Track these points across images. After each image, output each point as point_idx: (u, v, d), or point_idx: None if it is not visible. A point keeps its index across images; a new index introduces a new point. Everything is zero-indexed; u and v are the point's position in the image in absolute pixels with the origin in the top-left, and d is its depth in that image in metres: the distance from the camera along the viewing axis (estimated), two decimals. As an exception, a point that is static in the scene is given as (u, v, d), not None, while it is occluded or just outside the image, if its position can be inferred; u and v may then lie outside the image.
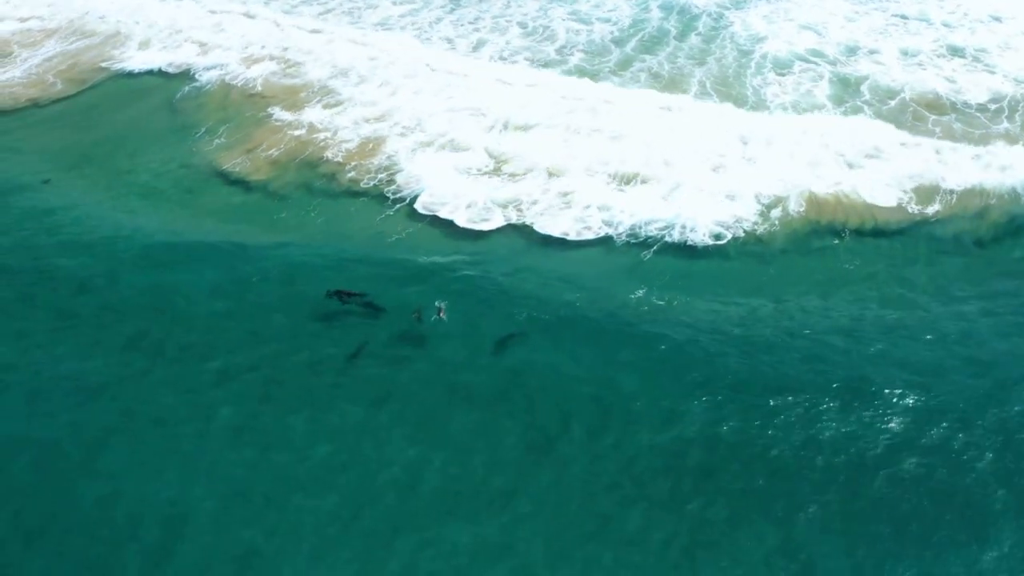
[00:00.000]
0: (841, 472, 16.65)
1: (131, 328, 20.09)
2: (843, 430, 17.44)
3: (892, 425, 17.49)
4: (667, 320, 20.56)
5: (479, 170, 26.49)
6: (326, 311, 20.66)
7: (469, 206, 24.96)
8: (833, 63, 32.59)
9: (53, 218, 24.54)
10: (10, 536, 15.67)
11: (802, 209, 24.66)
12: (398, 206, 25.47)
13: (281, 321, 20.51)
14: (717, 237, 23.70)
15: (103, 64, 33.46)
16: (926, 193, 25.18)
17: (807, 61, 32.71)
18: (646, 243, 23.63)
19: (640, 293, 21.45)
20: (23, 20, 36.17)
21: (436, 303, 20.28)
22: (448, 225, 24.56)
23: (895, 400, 17.97)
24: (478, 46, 34.53)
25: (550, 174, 26.16)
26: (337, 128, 28.59)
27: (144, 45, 34.45)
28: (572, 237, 23.97)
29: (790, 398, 18.06)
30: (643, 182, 25.79)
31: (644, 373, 18.83)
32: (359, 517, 15.97)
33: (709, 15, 35.54)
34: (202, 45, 34.03)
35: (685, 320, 20.56)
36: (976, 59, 32.88)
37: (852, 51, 33.41)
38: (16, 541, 15.59)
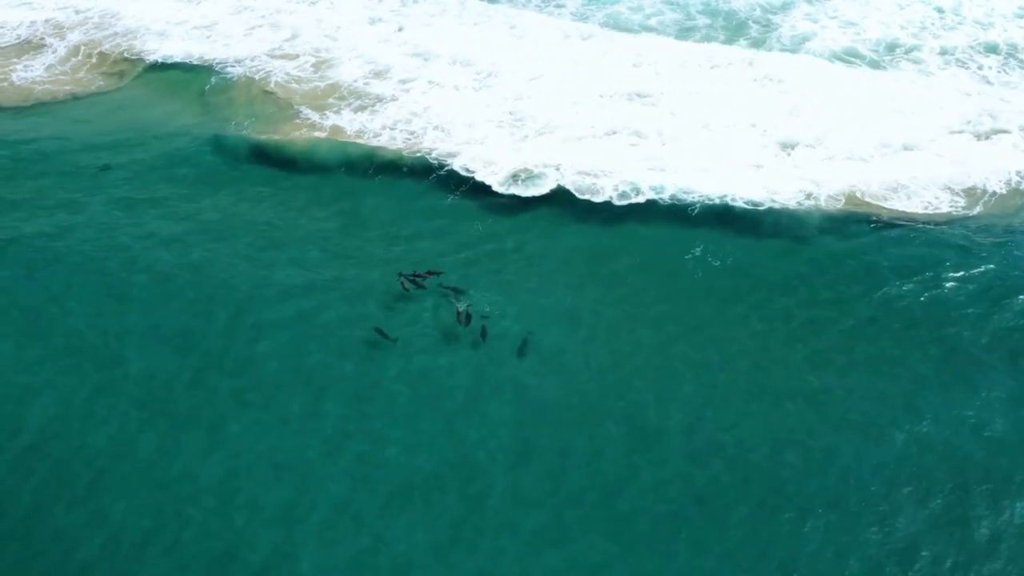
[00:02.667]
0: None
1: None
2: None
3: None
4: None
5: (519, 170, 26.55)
6: (396, 292, 21.69)
7: (514, 175, 25.66)
8: (873, 65, 32.27)
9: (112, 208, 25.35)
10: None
11: (840, 203, 24.94)
12: (439, 180, 26.10)
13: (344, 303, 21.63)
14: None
15: (135, 56, 33.01)
16: (969, 193, 25.61)
17: (847, 62, 32.45)
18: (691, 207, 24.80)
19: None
20: (58, 9, 35.94)
21: (482, 316, 20.85)
22: (488, 198, 25.24)
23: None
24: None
25: (588, 173, 26.15)
26: (372, 130, 28.43)
27: (166, 36, 34.02)
28: (616, 202, 24.88)
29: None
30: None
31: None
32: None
33: (756, 21, 35.34)
34: (231, 38, 33.82)
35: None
36: (1012, 56, 32.68)
37: (891, 49, 33.22)
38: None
